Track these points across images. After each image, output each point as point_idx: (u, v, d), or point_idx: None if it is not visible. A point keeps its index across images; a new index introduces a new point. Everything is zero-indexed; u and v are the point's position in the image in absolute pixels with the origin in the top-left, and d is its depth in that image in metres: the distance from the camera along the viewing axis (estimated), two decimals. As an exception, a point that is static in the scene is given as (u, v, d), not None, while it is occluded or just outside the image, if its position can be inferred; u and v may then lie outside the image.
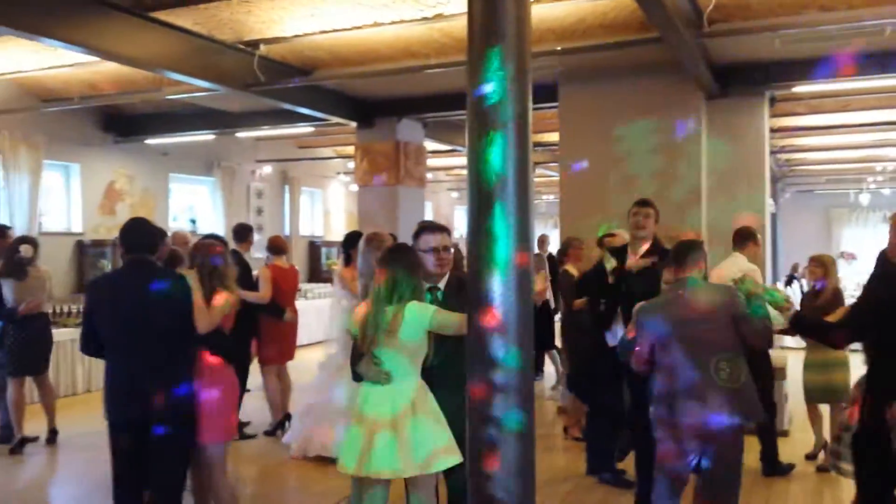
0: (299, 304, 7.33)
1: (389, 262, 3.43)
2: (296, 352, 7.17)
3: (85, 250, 10.65)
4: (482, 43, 2.11)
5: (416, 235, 3.65)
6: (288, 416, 6.90)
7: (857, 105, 9.65)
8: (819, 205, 22.56)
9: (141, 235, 3.81)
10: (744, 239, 5.55)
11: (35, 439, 6.47)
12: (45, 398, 6.57)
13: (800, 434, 6.35)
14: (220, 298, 3.86)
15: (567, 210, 7.86)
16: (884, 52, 6.87)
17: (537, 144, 12.58)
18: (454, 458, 3.29)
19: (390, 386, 3.36)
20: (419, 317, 3.29)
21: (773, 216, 16.16)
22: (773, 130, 10.14)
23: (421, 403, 3.34)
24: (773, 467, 5.47)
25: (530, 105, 2.14)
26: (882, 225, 21.75)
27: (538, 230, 20.56)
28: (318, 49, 7.21)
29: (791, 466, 5.54)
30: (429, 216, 18.73)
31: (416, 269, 3.43)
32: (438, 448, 3.28)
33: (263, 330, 6.68)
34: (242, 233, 7.03)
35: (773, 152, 12.26)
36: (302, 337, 12.05)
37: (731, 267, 5.27)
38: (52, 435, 6.51)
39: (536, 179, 16.07)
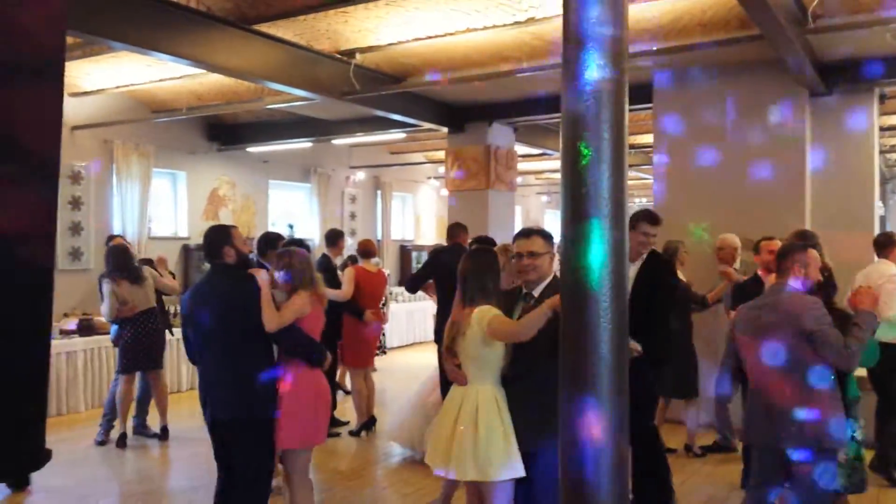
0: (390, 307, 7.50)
1: (462, 264, 3.52)
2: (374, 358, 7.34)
3: (190, 254, 11.16)
4: (577, 45, 2.10)
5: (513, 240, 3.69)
6: (373, 419, 7.06)
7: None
8: (933, 207, 21.21)
9: (208, 243, 4.02)
10: (883, 245, 5.65)
11: (155, 434, 6.83)
12: (157, 396, 6.90)
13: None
14: (296, 298, 3.96)
15: (663, 213, 7.68)
16: None
17: (630, 146, 12.33)
18: (510, 471, 3.28)
19: (466, 388, 3.41)
20: (478, 321, 3.33)
21: (882, 219, 15.30)
22: (882, 129, 9.63)
23: (487, 411, 3.33)
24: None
25: (626, 108, 2.12)
26: None
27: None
28: (411, 56, 7.32)
29: None
30: (518, 220, 18.68)
31: (485, 272, 3.46)
32: (496, 459, 3.28)
33: (346, 332, 6.84)
34: (333, 238, 7.24)
35: (882, 152, 11.63)
36: (392, 339, 12.35)
37: (873, 273, 5.46)
38: (164, 432, 6.84)
39: (629, 182, 15.73)
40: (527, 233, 3.57)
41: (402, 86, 8.00)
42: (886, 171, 15.21)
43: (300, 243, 5.14)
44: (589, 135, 2.09)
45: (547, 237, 3.50)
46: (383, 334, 9.72)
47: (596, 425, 2.04)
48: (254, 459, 3.82)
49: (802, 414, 3.36)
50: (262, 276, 3.89)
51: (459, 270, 3.53)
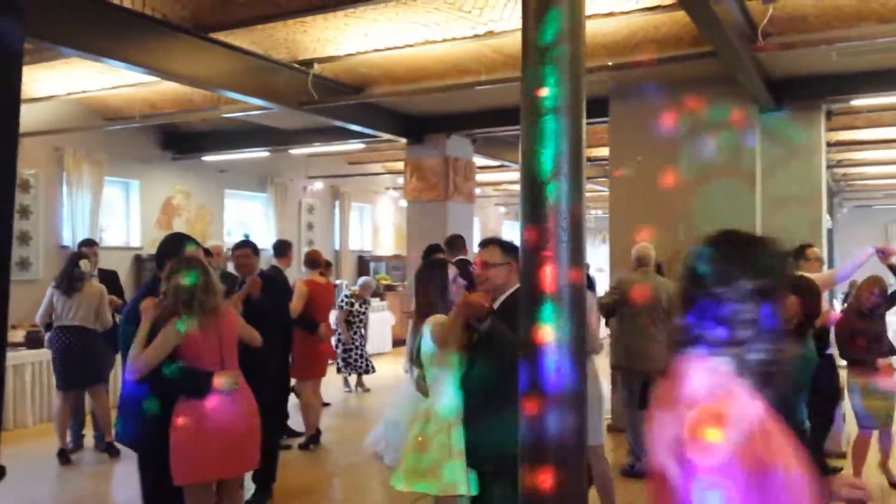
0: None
1: (414, 275, 3.58)
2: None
3: (143, 264, 10.95)
4: (536, 60, 2.14)
5: None
6: (319, 432, 7.01)
7: (917, 118, 9.38)
8: (877, 220, 21.90)
9: (159, 255, 3.94)
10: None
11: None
12: (98, 412, 6.73)
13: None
14: (158, 337, 3.57)
15: (616, 225, 7.82)
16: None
17: (587, 159, 12.48)
18: (456, 488, 3.20)
19: (427, 400, 3.42)
20: (428, 331, 3.34)
21: (830, 232, 15.75)
22: (830, 144, 9.92)
23: (439, 425, 3.30)
24: None
25: (584, 122, 2.16)
26: (946, 241, 21.03)
27: (587, 245, 20.42)
28: (370, 67, 7.32)
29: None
30: (477, 232, 18.75)
31: (429, 283, 3.52)
32: (445, 474, 3.24)
33: (296, 344, 6.75)
34: (282, 248, 7.14)
35: (829, 167, 11.98)
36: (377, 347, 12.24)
37: None
38: (110, 448, 6.65)
39: (586, 195, 15.93)
40: (485, 242, 3.49)
41: (361, 96, 7.99)
42: (833, 186, 15.66)
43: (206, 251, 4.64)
44: (547, 148, 2.12)
45: (506, 247, 3.35)
46: (361, 353, 9.56)
47: (557, 434, 2.05)
48: (146, 489, 3.77)
49: None
50: (146, 306, 3.60)
51: (414, 282, 3.59)
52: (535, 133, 2.13)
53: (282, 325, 5.60)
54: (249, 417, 3.78)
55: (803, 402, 3.68)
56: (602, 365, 5.96)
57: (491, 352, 3.11)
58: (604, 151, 9.42)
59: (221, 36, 6.30)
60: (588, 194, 15.20)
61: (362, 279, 10.11)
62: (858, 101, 7.75)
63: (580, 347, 2.09)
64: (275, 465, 5.42)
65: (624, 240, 7.28)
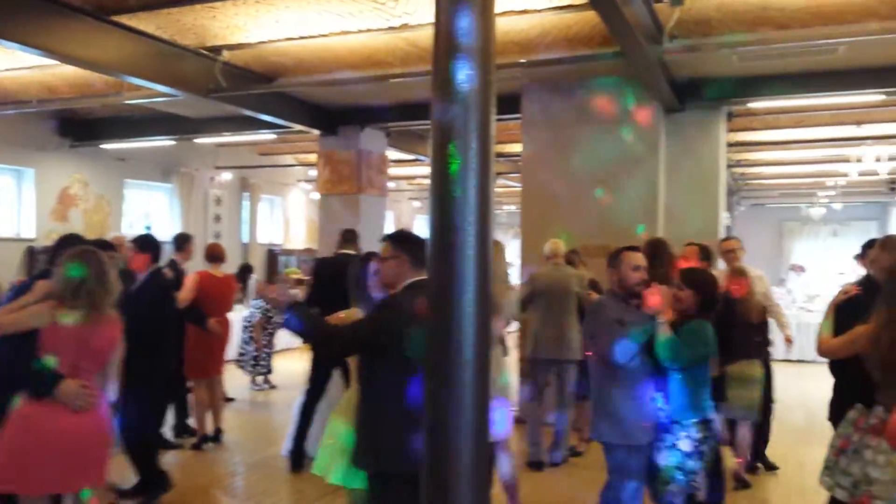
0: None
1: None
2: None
3: (36, 256, 10.39)
4: (447, 54, 2.12)
5: None
6: (219, 431, 6.85)
7: (809, 122, 9.91)
8: (772, 218, 23.08)
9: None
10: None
11: None
12: None
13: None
14: (31, 308, 3.39)
15: (528, 220, 7.94)
16: (836, 70, 7.07)
17: (500, 155, 12.66)
18: (342, 480, 3.31)
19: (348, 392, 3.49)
20: None
21: (728, 228, 16.46)
22: (729, 145, 10.35)
23: (343, 412, 3.43)
24: None
25: (493, 117, 2.16)
26: (832, 239, 22.36)
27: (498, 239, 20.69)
28: (282, 56, 7.16)
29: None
30: (390, 225, 18.70)
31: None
32: (339, 464, 3.33)
33: (189, 340, 6.56)
34: (180, 241, 6.92)
35: (729, 166, 12.50)
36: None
37: None
38: None
39: (498, 190, 16.15)
40: (382, 238, 3.46)
41: (273, 86, 7.82)
42: (732, 184, 16.37)
43: (104, 245, 4.36)
44: (457, 143, 2.11)
45: (397, 240, 3.26)
46: (269, 355, 9.37)
47: (460, 437, 2.05)
48: None
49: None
50: (40, 284, 3.42)
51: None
52: (444, 127, 2.12)
53: (166, 325, 5.33)
54: (94, 430, 3.43)
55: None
56: (512, 357, 6.12)
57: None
58: (517, 147, 9.54)
59: (125, 19, 6.04)
60: (500, 190, 15.48)
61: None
62: (756, 104, 8.12)
63: (486, 340, 2.09)
64: (154, 466, 5.23)
65: (535, 234, 7.40)
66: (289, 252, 15.42)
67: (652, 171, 7.44)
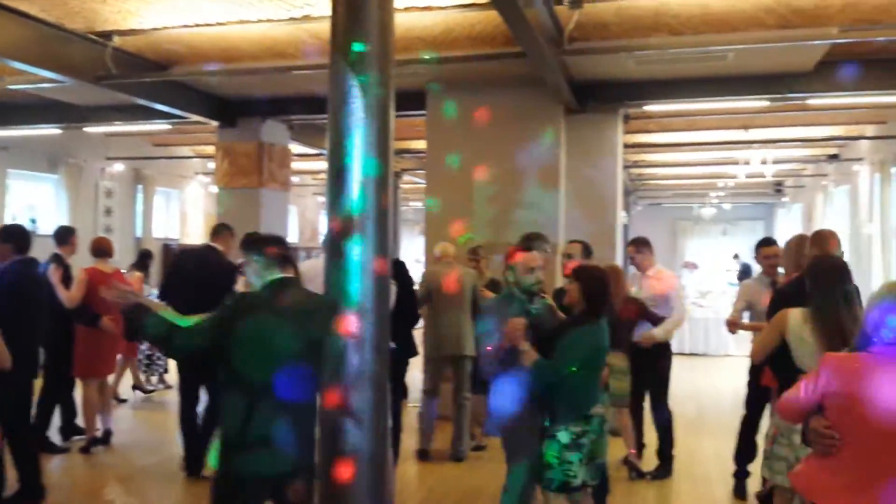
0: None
1: None
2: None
3: None
4: (344, 47, 2.08)
5: None
6: (109, 433, 6.58)
7: (701, 125, 10.34)
8: (667, 217, 24.04)
9: None
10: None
11: None
12: None
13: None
14: None
15: (433, 217, 7.95)
16: (726, 77, 7.39)
17: (405, 151, 12.64)
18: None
19: None
20: None
21: (626, 227, 17.03)
22: (626, 146, 10.68)
23: None
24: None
25: (392, 111, 2.14)
26: (722, 238, 23.50)
27: (404, 237, 20.67)
28: (177, 43, 6.89)
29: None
30: (294, 221, 18.39)
31: None
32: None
33: (78, 339, 6.28)
34: (63, 235, 6.58)
35: (626, 167, 12.91)
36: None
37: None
38: None
39: (404, 186, 16.11)
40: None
41: (167, 74, 7.53)
42: (630, 185, 16.94)
43: None
44: (355, 137, 2.07)
45: (245, 244, 3.40)
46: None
47: (354, 428, 2.02)
48: None
49: None
50: None
51: None
52: (341, 122, 2.08)
53: (26, 317, 5.02)
54: None
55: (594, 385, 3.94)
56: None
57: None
58: (421, 144, 9.54)
59: (6, 0, 5.68)
60: (406, 186, 15.39)
61: None
62: (651, 107, 8.41)
63: (384, 337, 2.07)
64: (35, 470, 4.95)
65: (440, 231, 7.42)
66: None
67: (553, 170, 7.58)
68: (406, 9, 5.67)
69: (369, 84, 2.05)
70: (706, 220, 22.92)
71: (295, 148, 10.72)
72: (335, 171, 2.11)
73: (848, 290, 3.38)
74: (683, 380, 9.95)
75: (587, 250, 5.52)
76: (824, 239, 4.33)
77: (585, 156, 8.06)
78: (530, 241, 4.75)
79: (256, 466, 2.69)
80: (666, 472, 5.89)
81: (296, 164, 12.15)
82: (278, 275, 3.01)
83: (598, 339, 3.86)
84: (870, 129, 10.93)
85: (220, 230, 6.24)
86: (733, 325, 5.74)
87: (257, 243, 3.18)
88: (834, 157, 13.31)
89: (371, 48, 2.06)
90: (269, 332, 2.79)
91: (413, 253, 18.72)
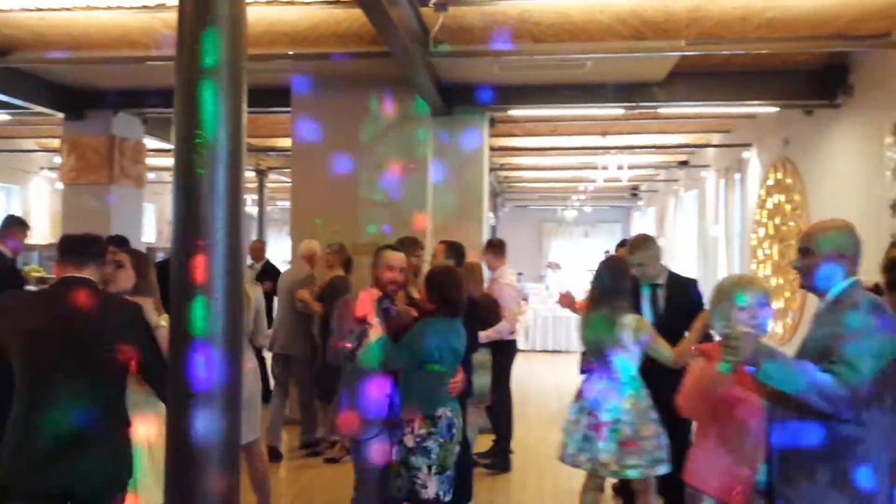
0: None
1: None
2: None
3: None
4: (192, 36, 1.96)
5: None
6: None
7: (563, 130, 10.69)
8: (532, 219, 24.78)
9: None
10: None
11: None
12: None
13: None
14: None
15: (299, 217, 7.78)
16: (585, 84, 7.67)
17: (271, 149, 12.32)
18: None
19: None
20: None
21: (493, 228, 17.40)
22: (493, 149, 10.89)
23: None
24: None
25: (244, 107, 2.03)
26: (583, 239, 24.49)
27: (271, 237, 20.13)
28: (17, 28, 6.36)
29: None
30: (151, 219, 17.52)
31: None
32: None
33: None
34: None
35: (493, 169, 13.17)
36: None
37: None
38: None
39: (270, 185, 15.70)
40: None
41: (5, 60, 6.94)
42: (497, 186, 17.29)
43: None
44: (203, 132, 1.95)
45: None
46: None
47: (206, 434, 1.91)
48: None
49: None
50: None
51: None
52: (189, 117, 1.96)
53: None
54: None
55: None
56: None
57: None
58: (287, 142, 9.31)
59: None
60: (273, 185, 14.96)
61: None
62: (516, 112, 8.60)
63: (235, 341, 1.97)
64: None
65: (306, 231, 7.27)
66: (30, 248, 13.80)
67: (421, 170, 7.59)
68: (268, 2, 5.50)
69: (219, 77, 1.94)
70: (569, 222, 23.80)
71: (151, 143, 10.20)
72: (182, 168, 1.99)
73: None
74: (545, 376, 10.30)
75: (453, 250, 5.54)
76: None
77: (453, 157, 8.14)
78: (403, 245, 4.75)
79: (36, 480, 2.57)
80: (504, 464, 6.13)
81: (152, 160, 11.57)
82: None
83: (445, 336, 3.74)
84: (716, 138, 11.69)
85: (9, 224, 5.84)
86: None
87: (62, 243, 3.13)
88: (684, 163, 14.15)
89: (220, 40, 1.95)
90: (36, 333, 2.72)
91: (281, 253, 18.28)
